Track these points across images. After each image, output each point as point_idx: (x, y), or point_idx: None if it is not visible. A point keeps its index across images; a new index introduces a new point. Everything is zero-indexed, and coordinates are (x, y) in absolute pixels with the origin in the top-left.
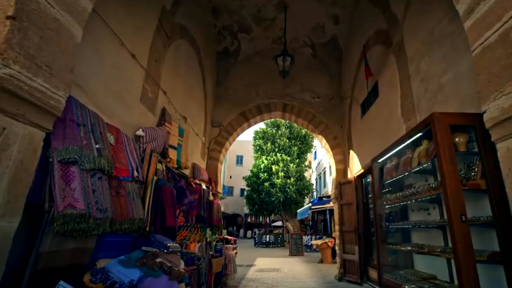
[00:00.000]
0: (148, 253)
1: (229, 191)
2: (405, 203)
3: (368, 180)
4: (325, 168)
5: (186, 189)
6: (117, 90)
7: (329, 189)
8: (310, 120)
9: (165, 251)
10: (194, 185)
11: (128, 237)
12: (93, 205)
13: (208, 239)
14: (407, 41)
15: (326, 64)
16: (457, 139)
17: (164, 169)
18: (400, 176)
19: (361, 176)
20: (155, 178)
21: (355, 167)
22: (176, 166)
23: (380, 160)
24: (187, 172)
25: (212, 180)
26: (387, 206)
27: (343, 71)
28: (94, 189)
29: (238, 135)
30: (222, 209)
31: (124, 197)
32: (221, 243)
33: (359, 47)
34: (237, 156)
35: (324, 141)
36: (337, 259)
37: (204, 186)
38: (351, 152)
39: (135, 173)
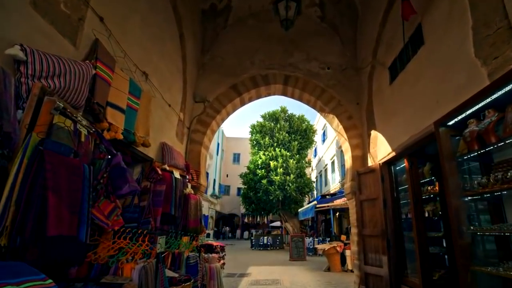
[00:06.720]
0: None
1: (225, 190)
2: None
3: (400, 167)
4: (326, 165)
5: (127, 169)
6: None
7: (331, 187)
8: (318, 95)
9: None
10: (161, 172)
11: None
12: None
13: (176, 250)
14: None
15: (337, 28)
16: None
17: (85, 132)
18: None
19: (389, 162)
20: (36, 137)
21: (380, 152)
22: (122, 137)
23: (451, 122)
24: (151, 153)
25: (192, 169)
26: (468, 198)
27: (359, 35)
28: None
29: (228, 113)
30: (218, 209)
31: None
32: (198, 254)
33: None
34: (234, 154)
35: (336, 121)
36: (354, 271)
37: (177, 175)
38: (373, 132)
39: None
